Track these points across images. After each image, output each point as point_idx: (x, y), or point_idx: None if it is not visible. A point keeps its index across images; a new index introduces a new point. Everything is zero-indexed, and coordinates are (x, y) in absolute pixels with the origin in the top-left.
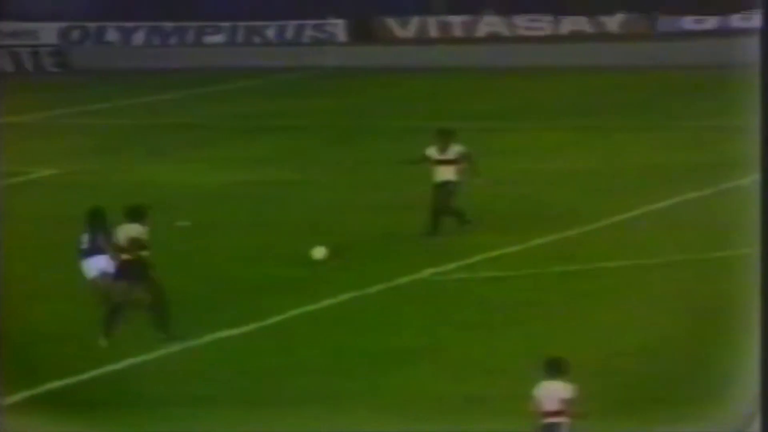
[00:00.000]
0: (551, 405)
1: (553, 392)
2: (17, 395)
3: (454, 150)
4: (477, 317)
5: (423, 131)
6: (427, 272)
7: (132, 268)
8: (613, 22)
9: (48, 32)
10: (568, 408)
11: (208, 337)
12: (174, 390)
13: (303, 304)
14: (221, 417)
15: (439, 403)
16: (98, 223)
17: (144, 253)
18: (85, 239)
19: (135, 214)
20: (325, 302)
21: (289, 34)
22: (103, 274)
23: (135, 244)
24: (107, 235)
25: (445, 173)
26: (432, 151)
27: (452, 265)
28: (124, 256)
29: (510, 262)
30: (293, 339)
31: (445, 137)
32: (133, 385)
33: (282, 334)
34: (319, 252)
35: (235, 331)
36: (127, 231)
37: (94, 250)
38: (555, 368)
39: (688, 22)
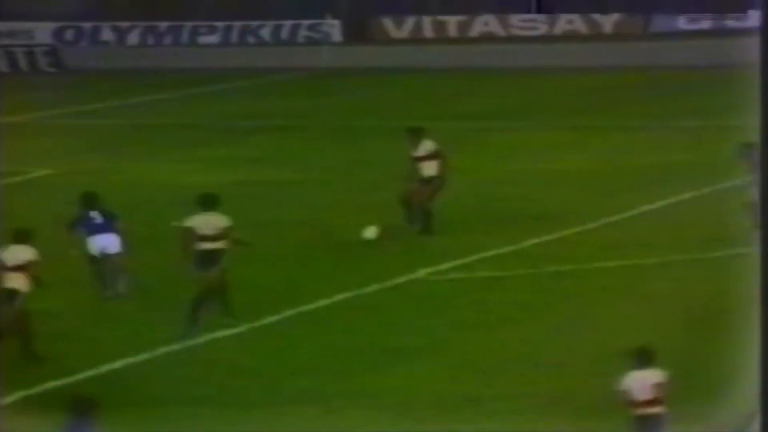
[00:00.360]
0: (643, 394)
1: (644, 381)
2: (16, 395)
3: (425, 147)
4: (473, 317)
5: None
6: (423, 272)
7: (212, 257)
8: (608, 22)
9: (43, 32)
10: (661, 393)
11: (206, 337)
12: (171, 390)
13: (299, 304)
14: (219, 417)
15: (436, 402)
16: (96, 205)
17: (237, 239)
18: (96, 216)
19: (210, 203)
20: (321, 302)
21: (285, 34)
22: (107, 253)
23: (228, 232)
24: (113, 216)
25: (426, 169)
26: (411, 150)
27: (448, 265)
28: (208, 245)
29: (505, 261)
30: (289, 339)
31: (415, 135)
32: (130, 385)
33: (278, 334)
34: (370, 232)
35: (231, 331)
36: (213, 220)
37: (105, 228)
38: (645, 357)
39: (683, 22)
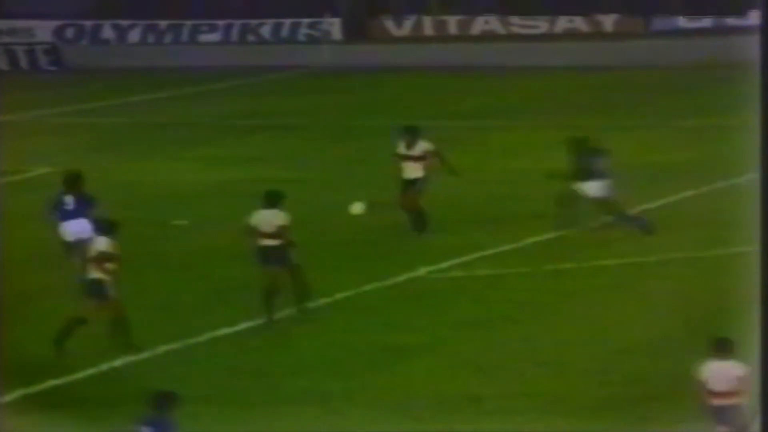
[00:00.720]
0: (721, 385)
1: (724, 372)
2: (15, 393)
3: (421, 147)
4: (473, 316)
5: (420, 129)
6: (423, 270)
7: (277, 253)
8: (608, 21)
9: (43, 30)
10: (741, 386)
11: (205, 336)
12: (172, 389)
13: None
14: (218, 416)
15: (436, 401)
16: (78, 187)
17: (288, 239)
18: (69, 201)
19: (273, 200)
20: (322, 301)
21: (285, 32)
22: (80, 239)
23: (285, 230)
24: (89, 200)
25: (413, 171)
26: (401, 148)
27: (448, 264)
28: (268, 242)
29: (505, 260)
30: (290, 338)
31: (411, 134)
32: (130, 384)
33: (278, 333)
34: (357, 207)
35: (230, 330)
36: (273, 218)
37: (76, 213)
38: (725, 348)
39: (683, 21)
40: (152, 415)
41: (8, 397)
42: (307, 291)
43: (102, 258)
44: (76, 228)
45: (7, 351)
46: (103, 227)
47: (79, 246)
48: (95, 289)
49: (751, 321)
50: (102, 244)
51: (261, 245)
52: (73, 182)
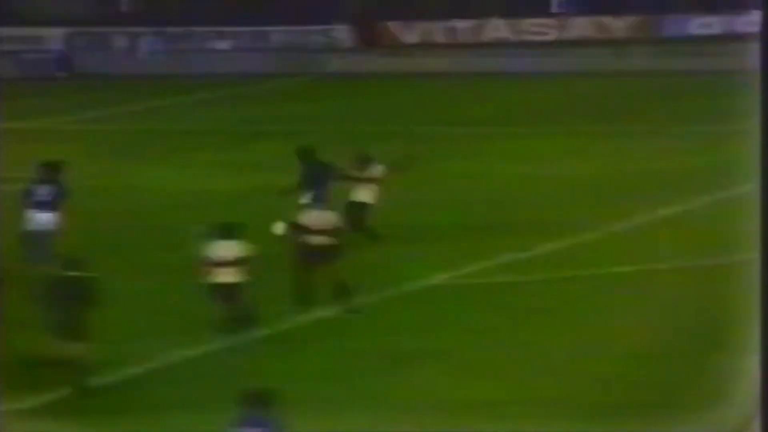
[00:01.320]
0: None
1: None
2: (15, 402)
3: (373, 170)
4: (486, 322)
5: (427, 136)
6: (437, 278)
7: (327, 252)
8: (618, 28)
9: (54, 37)
10: None
11: (216, 344)
12: (178, 395)
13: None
14: (222, 422)
15: (441, 405)
16: (57, 177)
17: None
18: (41, 191)
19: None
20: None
21: (295, 39)
22: (39, 231)
23: (339, 231)
24: (62, 192)
25: (363, 194)
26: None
27: (463, 271)
28: (319, 240)
29: (517, 267)
30: (300, 344)
31: (364, 161)
32: (132, 392)
33: (288, 339)
34: (278, 228)
35: (236, 338)
36: (324, 217)
37: (49, 206)
38: None
39: (693, 27)
40: (250, 414)
41: (7, 406)
42: (347, 291)
43: (241, 261)
44: (42, 220)
45: (7, 358)
46: (228, 230)
47: (36, 237)
48: (231, 293)
49: (753, 326)
50: (234, 247)
51: (310, 243)
52: (51, 172)
